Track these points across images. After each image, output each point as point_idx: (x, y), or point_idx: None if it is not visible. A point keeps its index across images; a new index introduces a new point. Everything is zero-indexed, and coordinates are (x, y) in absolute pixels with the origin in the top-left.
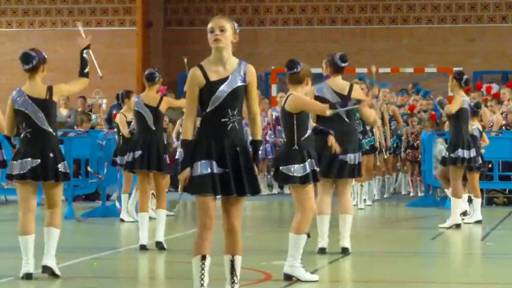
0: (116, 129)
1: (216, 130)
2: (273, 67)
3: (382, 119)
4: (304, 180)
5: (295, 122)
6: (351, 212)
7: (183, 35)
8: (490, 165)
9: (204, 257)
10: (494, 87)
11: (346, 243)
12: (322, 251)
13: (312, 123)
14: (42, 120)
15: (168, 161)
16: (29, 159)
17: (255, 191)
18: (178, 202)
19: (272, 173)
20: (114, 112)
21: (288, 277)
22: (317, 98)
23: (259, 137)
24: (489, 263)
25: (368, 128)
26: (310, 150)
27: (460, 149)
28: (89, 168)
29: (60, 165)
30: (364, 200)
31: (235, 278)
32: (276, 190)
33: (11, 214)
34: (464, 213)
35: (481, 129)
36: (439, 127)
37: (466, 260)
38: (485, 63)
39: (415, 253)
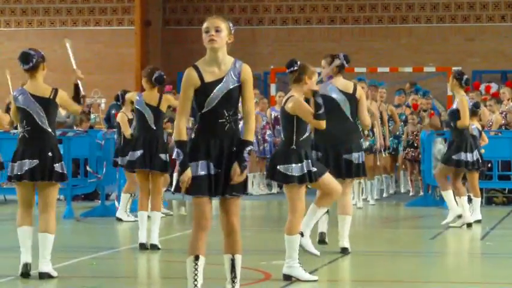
0: (115, 129)
1: (214, 131)
2: (271, 66)
3: (381, 118)
4: (301, 180)
5: (295, 122)
6: (351, 213)
7: (182, 34)
8: (489, 165)
9: (197, 258)
10: (493, 87)
11: (346, 243)
12: (321, 235)
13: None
14: (43, 119)
15: (168, 160)
16: (27, 160)
17: (241, 191)
18: (185, 203)
19: (267, 171)
20: (115, 112)
21: (287, 277)
22: (323, 97)
23: (249, 138)
24: (488, 262)
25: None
26: (307, 151)
27: (463, 152)
28: (88, 168)
29: (57, 165)
30: (364, 199)
31: (235, 277)
32: (275, 189)
33: (11, 214)
34: (459, 216)
35: (480, 128)
36: (441, 127)
37: (465, 260)
38: (484, 62)
39: (414, 253)
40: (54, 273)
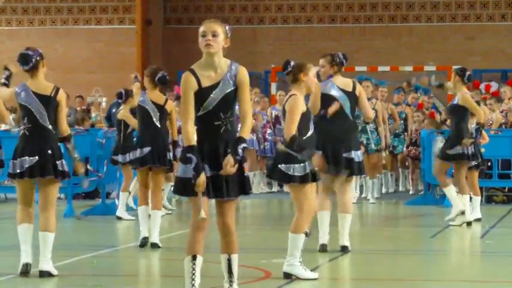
0: (115, 128)
1: (209, 133)
2: (272, 65)
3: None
4: (303, 180)
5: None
6: (351, 212)
7: (183, 33)
8: (489, 164)
9: (194, 257)
10: (494, 86)
11: (346, 241)
12: (323, 247)
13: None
14: (44, 117)
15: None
16: (27, 157)
17: (246, 191)
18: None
19: (268, 170)
20: (115, 110)
21: (288, 276)
22: (323, 95)
23: (244, 135)
24: (488, 260)
25: (374, 126)
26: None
27: (459, 146)
28: (88, 167)
29: (58, 162)
30: (365, 197)
31: (232, 276)
32: (275, 188)
33: (11, 212)
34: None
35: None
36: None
37: (465, 258)
38: (484, 61)
39: (414, 251)
40: (55, 272)
